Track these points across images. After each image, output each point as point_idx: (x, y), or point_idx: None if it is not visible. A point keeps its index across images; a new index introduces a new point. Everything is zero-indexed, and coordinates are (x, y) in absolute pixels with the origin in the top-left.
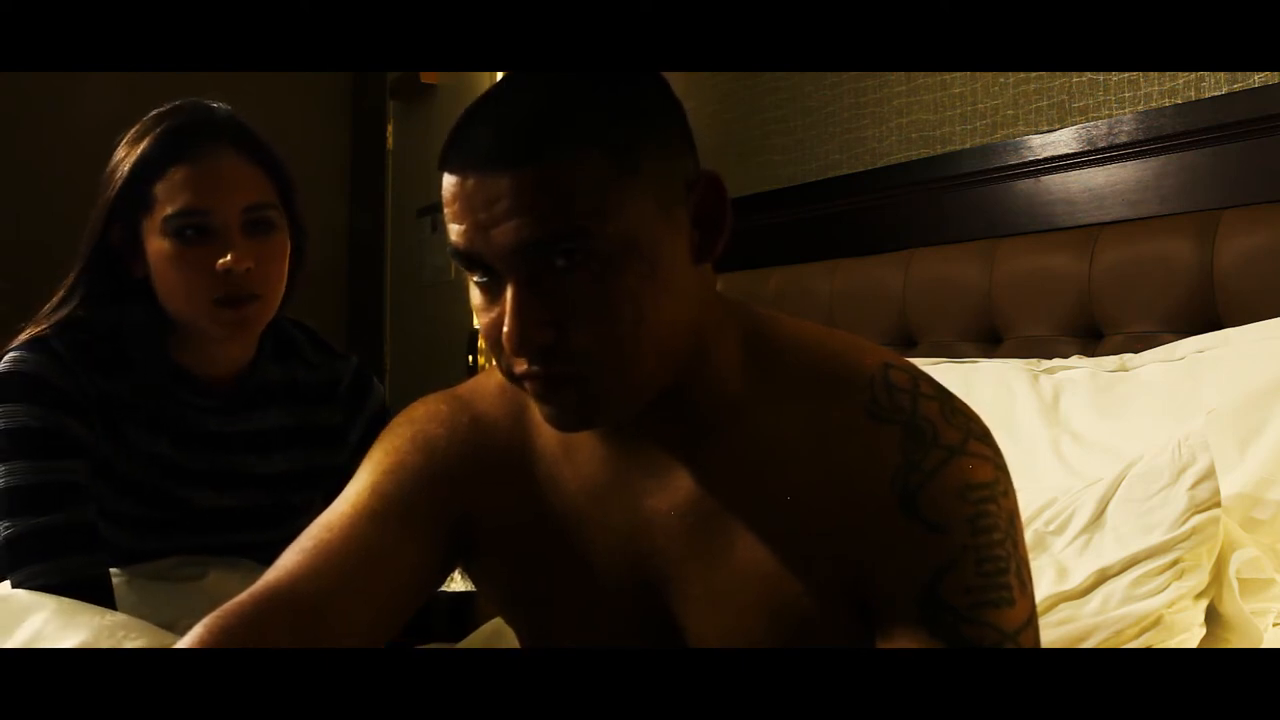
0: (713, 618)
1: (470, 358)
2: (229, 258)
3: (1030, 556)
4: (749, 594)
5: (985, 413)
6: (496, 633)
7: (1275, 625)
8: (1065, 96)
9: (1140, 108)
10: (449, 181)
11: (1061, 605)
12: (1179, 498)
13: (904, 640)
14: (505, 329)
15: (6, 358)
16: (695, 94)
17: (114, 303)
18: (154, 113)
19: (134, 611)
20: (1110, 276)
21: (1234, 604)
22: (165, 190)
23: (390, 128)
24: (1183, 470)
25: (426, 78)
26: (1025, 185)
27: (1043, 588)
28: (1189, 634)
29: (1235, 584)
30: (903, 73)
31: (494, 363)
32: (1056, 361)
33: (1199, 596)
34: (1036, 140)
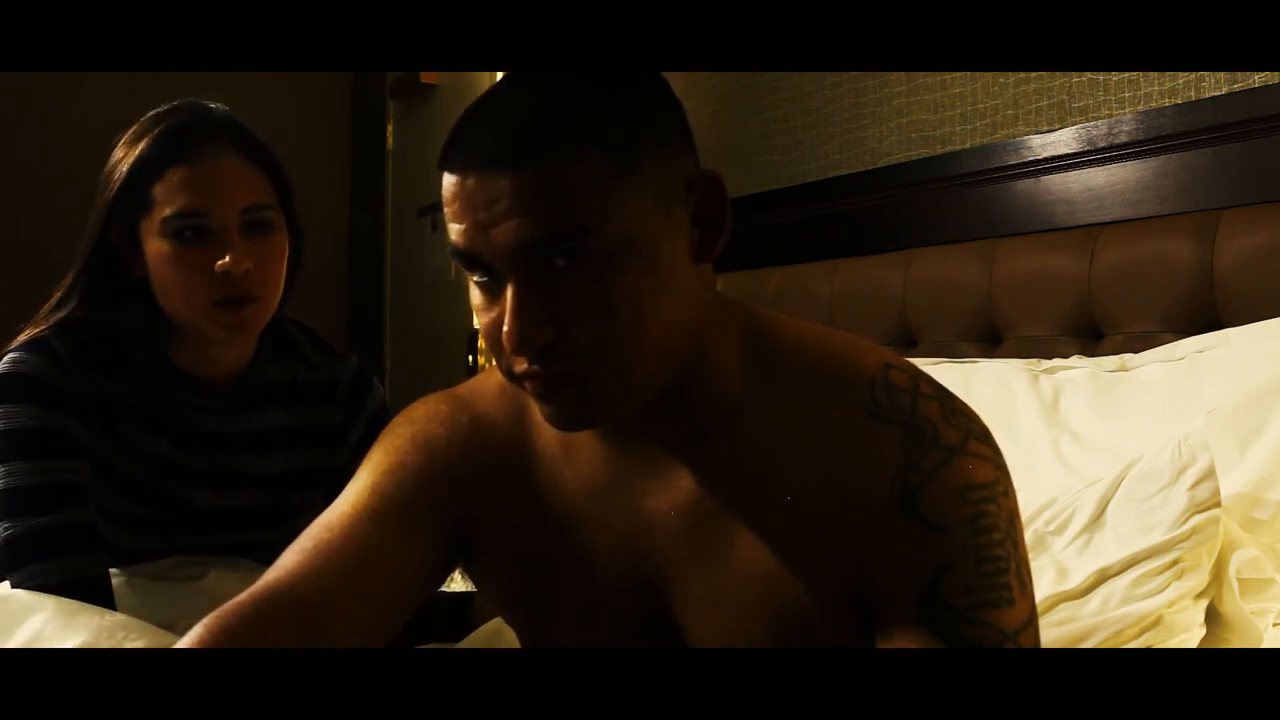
0: (713, 618)
1: (470, 358)
2: (228, 259)
3: (1030, 556)
4: (749, 594)
5: (985, 413)
6: (496, 632)
7: (1275, 625)
8: (1065, 96)
9: (1140, 108)
10: (449, 181)
11: (1061, 605)
12: (1179, 498)
13: (904, 640)
14: (505, 328)
15: (6, 358)
16: (695, 94)
17: (113, 303)
18: (152, 113)
19: (134, 611)
20: (1110, 276)
21: (1234, 604)
22: (164, 191)
23: (390, 128)
24: (1183, 470)
25: (426, 78)
26: (1025, 185)
27: (1043, 588)
28: (1189, 634)
29: (1235, 584)
30: (903, 73)
31: (494, 363)
32: (1056, 361)
33: (1199, 596)
34: (1036, 140)
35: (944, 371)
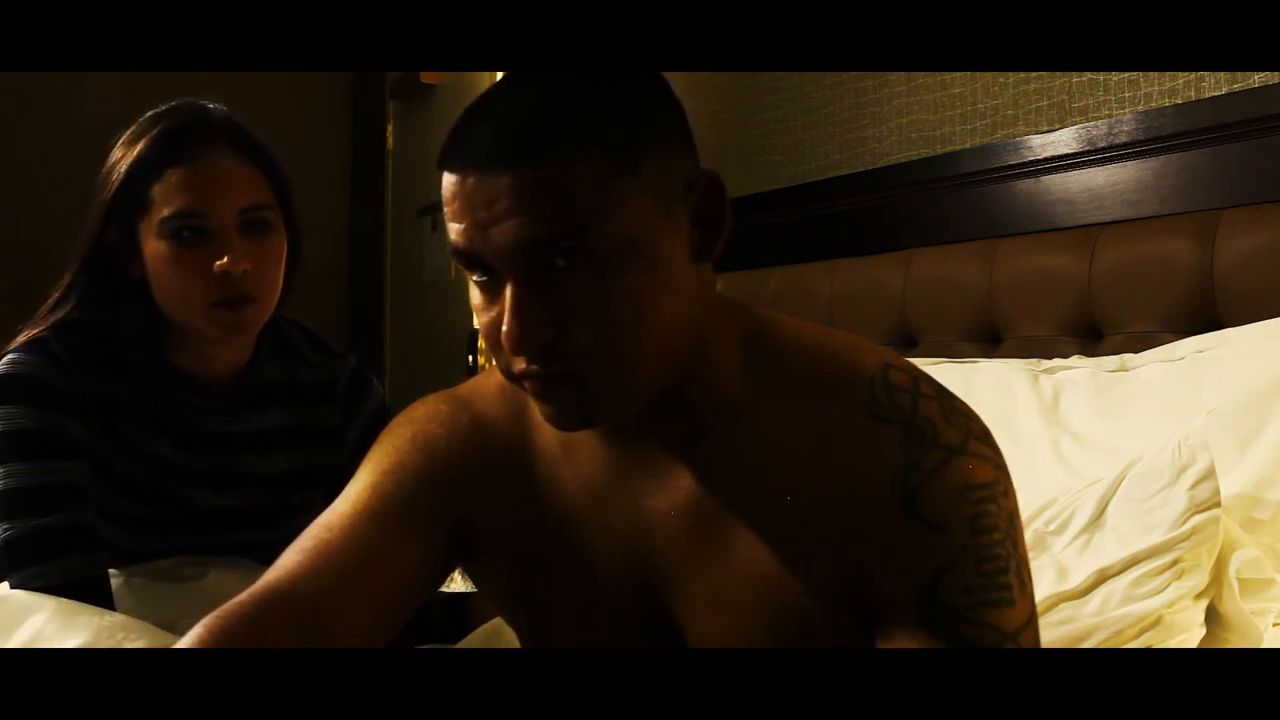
0: (713, 618)
1: (470, 358)
2: (226, 260)
3: (1030, 556)
4: (749, 594)
5: (985, 413)
6: (495, 632)
7: (1275, 625)
8: (1065, 96)
9: (1140, 108)
10: (449, 180)
11: (1061, 605)
12: (1179, 498)
13: (904, 640)
14: (504, 328)
15: (4, 359)
16: (695, 94)
17: (111, 304)
18: (150, 114)
19: (134, 611)
20: (1110, 276)
21: (1234, 604)
22: (162, 192)
23: (390, 128)
24: (1183, 470)
25: (426, 78)
26: (1025, 185)
27: (1043, 588)
28: (1189, 634)
29: (1235, 584)
30: (903, 73)
31: (494, 362)
32: (1056, 361)
33: (1199, 596)
34: (1036, 140)
35: (944, 371)
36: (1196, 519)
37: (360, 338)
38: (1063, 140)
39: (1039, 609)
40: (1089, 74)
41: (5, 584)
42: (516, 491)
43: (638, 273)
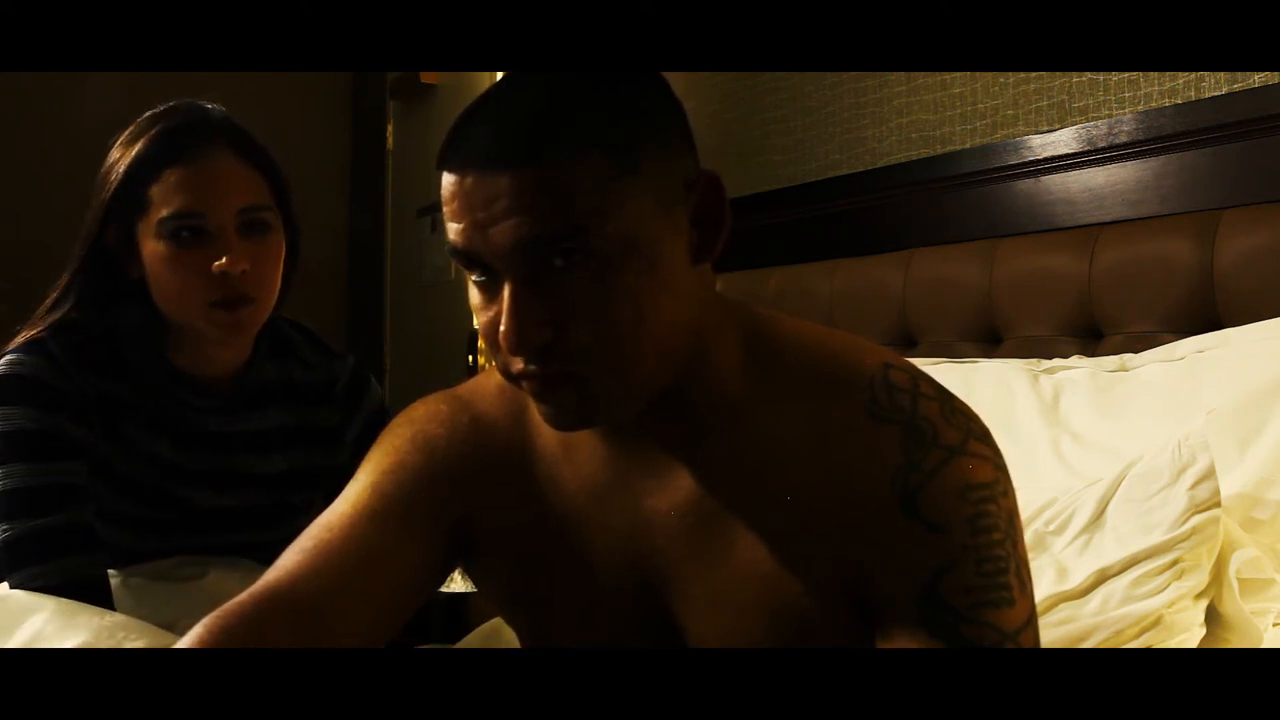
0: (713, 618)
1: (470, 358)
2: (224, 260)
3: (1030, 556)
4: (749, 594)
5: (985, 413)
6: (495, 632)
7: (1275, 625)
8: (1065, 96)
9: (1140, 108)
10: (448, 180)
11: (1061, 605)
12: (1179, 498)
13: (904, 640)
14: (502, 328)
15: (3, 360)
16: (695, 94)
17: (109, 304)
18: (148, 114)
19: (134, 612)
20: (1110, 276)
21: (1234, 604)
22: (160, 192)
23: (390, 128)
24: (1183, 470)
25: (426, 78)
26: (1025, 185)
27: (1043, 588)
28: (1189, 634)
29: (1235, 584)
30: (903, 73)
31: (494, 362)
32: (1056, 361)
33: (1199, 596)
34: (1036, 140)
35: (944, 371)
36: (1196, 519)
37: (360, 338)
38: (1063, 140)
39: (1039, 609)
40: (1089, 74)
41: (5, 584)
42: (516, 491)
43: (637, 273)
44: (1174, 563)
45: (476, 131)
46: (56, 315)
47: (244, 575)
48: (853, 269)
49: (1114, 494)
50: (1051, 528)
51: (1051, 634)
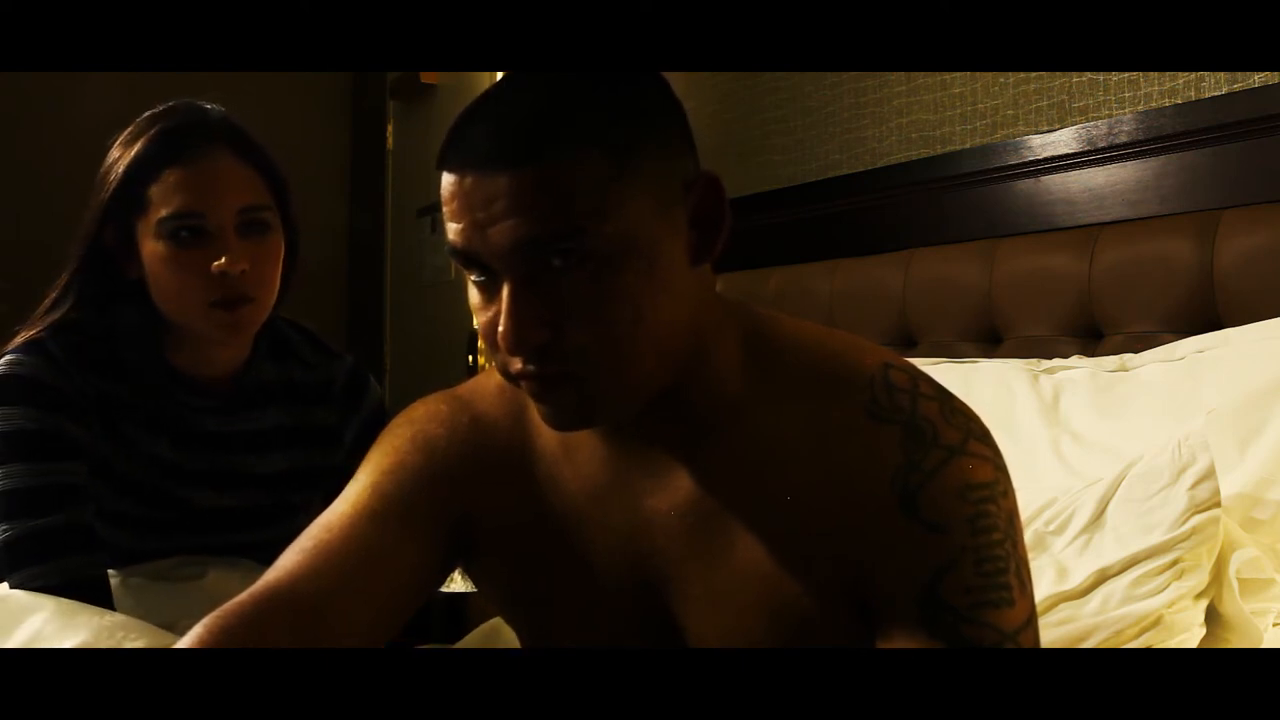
0: (713, 618)
1: (470, 358)
2: (224, 260)
3: (1030, 556)
4: (749, 594)
5: (985, 413)
6: (494, 632)
7: (1275, 625)
8: (1065, 96)
9: (1140, 108)
10: (447, 180)
11: (1061, 605)
12: (1179, 498)
13: (904, 640)
14: (500, 328)
15: (2, 361)
16: (695, 94)
17: (108, 304)
18: (147, 114)
19: (133, 612)
20: (1110, 276)
21: (1234, 604)
22: (159, 192)
23: (390, 128)
24: (1183, 470)
25: (426, 78)
26: (1025, 185)
27: (1043, 588)
28: (1189, 634)
29: (1235, 584)
30: (903, 73)
31: (493, 362)
32: (1056, 361)
33: (1199, 596)
34: (1036, 140)
35: (944, 371)
36: (1196, 519)
37: (360, 338)
38: (1063, 140)
39: (1039, 609)
40: (1089, 74)
41: (5, 584)
42: (516, 491)
43: (636, 273)
44: (1174, 563)
45: (476, 131)
46: (55, 315)
47: (244, 575)
48: (853, 269)
49: (1114, 494)
50: (1051, 528)
51: (1051, 634)
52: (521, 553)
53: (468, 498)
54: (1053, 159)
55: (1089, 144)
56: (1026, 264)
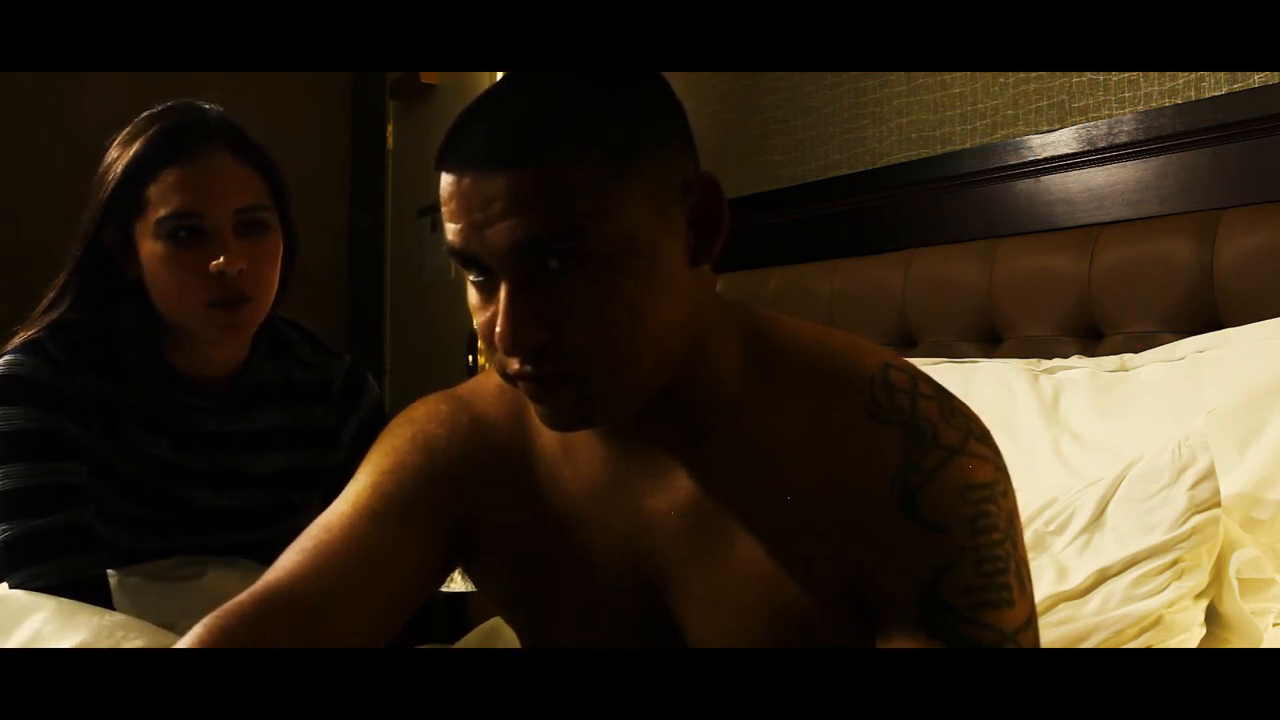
0: (713, 618)
1: (470, 358)
2: (222, 260)
3: (1030, 556)
4: (749, 594)
5: (985, 413)
6: (494, 632)
7: (1275, 625)
8: (1065, 96)
9: (1140, 108)
10: (446, 180)
11: (1061, 605)
12: (1179, 498)
13: (904, 640)
14: (498, 329)
15: (1, 361)
16: (695, 94)
17: (106, 304)
18: (146, 114)
19: (133, 611)
20: (1110, 276)
21: (1234, 604)
22: (158, 192)
23: (390, 128)
24: (1183, 470)
25: (426, 78)
26: (1025, 185)
27: (1043, 588)
28: (1189, 634)
29: (1235, 584)
30: (903, 73)
31: (492, 362)
32: (1056, 361)
33: (1199, 596)
34: (1036, 140)
35: (944, 371)
36: (1196, 519)
37: (360, 338)
38: (1063, 140)
39: (1039, 609)
40: (1089, 74)
41: (5, 584)
42: (516, 491)
43: (634, 274)
44: (1174, 563)
45: (475, 131)
46: (53, 315)
47: (244, 575)
48: (853, 269)
49: (1114, 494)
50: (1051, 528)
51: (1051, 634)
52: (521, 553)
53: (468, 498)
54: (1053, 159)
55: (1089, 144)
56: (1026, 264)
